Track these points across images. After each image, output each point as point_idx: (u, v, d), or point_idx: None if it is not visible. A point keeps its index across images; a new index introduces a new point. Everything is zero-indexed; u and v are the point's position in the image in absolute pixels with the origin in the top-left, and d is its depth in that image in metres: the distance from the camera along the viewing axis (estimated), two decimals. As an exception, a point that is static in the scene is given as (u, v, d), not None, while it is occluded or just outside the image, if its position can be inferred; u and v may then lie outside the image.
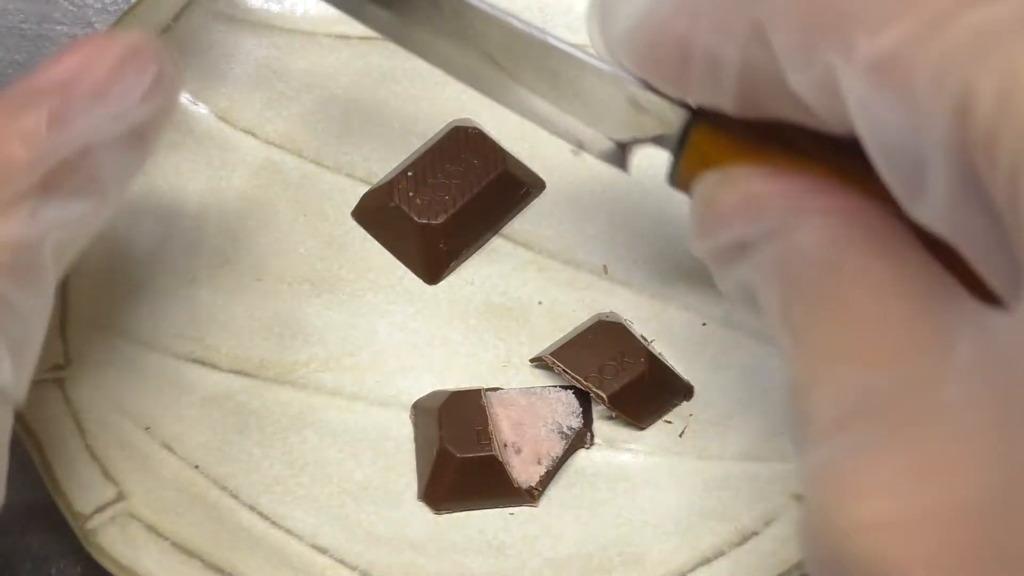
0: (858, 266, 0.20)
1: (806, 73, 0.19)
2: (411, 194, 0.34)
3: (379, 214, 0.35)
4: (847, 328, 0.19)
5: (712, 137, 0.25)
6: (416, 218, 0.33)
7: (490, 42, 0.28)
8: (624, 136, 0.27)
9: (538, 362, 0.33)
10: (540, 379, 0.33)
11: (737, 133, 0.24)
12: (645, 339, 0.33)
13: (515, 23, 0.27)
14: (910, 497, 0.16)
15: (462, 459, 0.30)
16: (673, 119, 0.25)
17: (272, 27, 0.38)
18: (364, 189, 0.36)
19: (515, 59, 0.28)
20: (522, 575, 0.29)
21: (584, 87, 0.27)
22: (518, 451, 0.31)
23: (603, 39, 0.25)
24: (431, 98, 0.38)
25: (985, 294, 0.18)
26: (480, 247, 0.35)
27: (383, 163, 0.36)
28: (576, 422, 0.31)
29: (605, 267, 0.34)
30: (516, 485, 0.30)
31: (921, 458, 0.17)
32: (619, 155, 0.28)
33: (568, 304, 0.34)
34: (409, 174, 0.34)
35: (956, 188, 0.17)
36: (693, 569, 0.28)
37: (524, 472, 0.31)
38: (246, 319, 0.34)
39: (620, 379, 0.31)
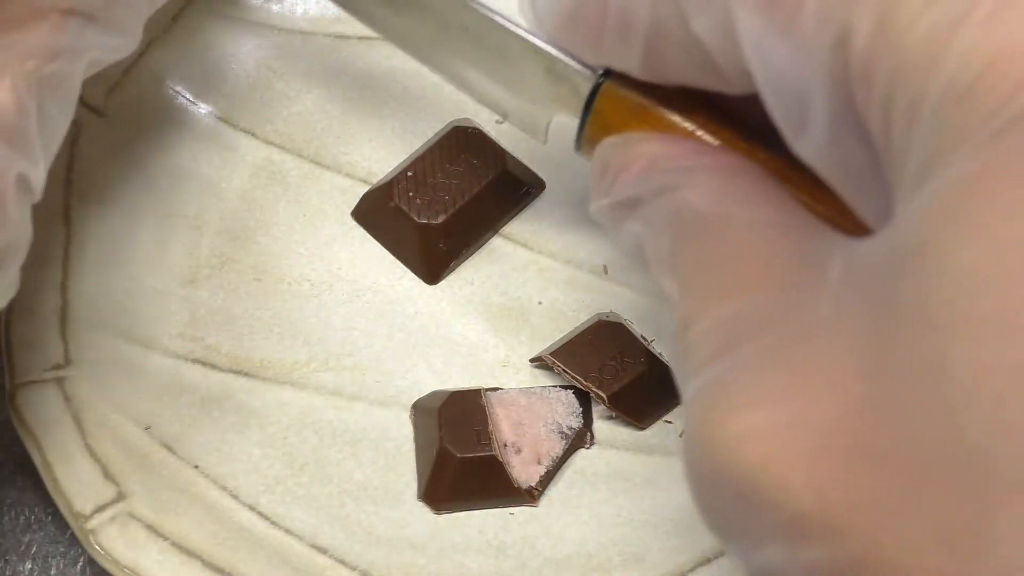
0: (735, 213, 0.21)
1: (707, 15, 0.20)
2: (411, 194, 0.34)
3: (379, 214, 0.35)
4: (725, 265, 0.20)
5: (614, 104, 0.26)
6: (416, 218, 0.33)
7: (423, 7, 0.29)
8: (542, 106, 0.29)
9: (538, 362, 0.33)
10: (540, 379, 0.33)
11: (640, 100, 0.25)
12: (645, 339, 0.33)
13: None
14: (784, 406, 0.17)
15: (462, 459, 0.30)
16: (584, 88, 0.27)
17: (272, 27, 0.38)
18: (364, 189, 0.36)
19: (445, 23, 0.29)
20: (522, 575, 0.29)
21: (507, 55, 0.28)
22: (518, 451, 0.31)
23: (530, 6, 0.26)
24: (430, 98, 0.38)
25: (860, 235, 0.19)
26: (480, 247, 0.35)
27: (383, 163, 0.36)
28: (576, 422, 0.31)
29: (605, 267, 0.34)
30: (516, 485, 0.30)
31: (794, 371, 0.17)
32: (539, 126, 0.30)
33: (568, 304, 0.34)
34: (409, 174, 0.34)
35: (836, 120, 0.18)
36: (693, 569, 0.28)
37: (524, 472, 0.31)
38: (246, 319, 0.34)
39: (620, 379, 0.32)
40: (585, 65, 0.27)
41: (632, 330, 0.33)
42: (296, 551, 0.29)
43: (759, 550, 0.17)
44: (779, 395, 0.17)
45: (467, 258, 0.35)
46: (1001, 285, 0.15)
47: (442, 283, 0.34)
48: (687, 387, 0.19)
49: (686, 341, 0.20)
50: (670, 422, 0.32)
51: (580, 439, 0.32)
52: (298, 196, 0.36)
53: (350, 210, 0.36)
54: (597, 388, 0.31)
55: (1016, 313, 0.14)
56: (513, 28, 0.28)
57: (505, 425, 0.31)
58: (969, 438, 0.15)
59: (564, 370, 0.32)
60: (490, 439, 0.30)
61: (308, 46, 0.39)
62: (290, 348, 0.33)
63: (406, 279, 0.35)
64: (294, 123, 0.37)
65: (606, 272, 0.34)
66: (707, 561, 0.28)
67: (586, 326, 0.33)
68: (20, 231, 0.26)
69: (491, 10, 0.29)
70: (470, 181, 0.34)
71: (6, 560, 0.31)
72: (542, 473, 0.31)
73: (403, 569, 0.29)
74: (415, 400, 0.32)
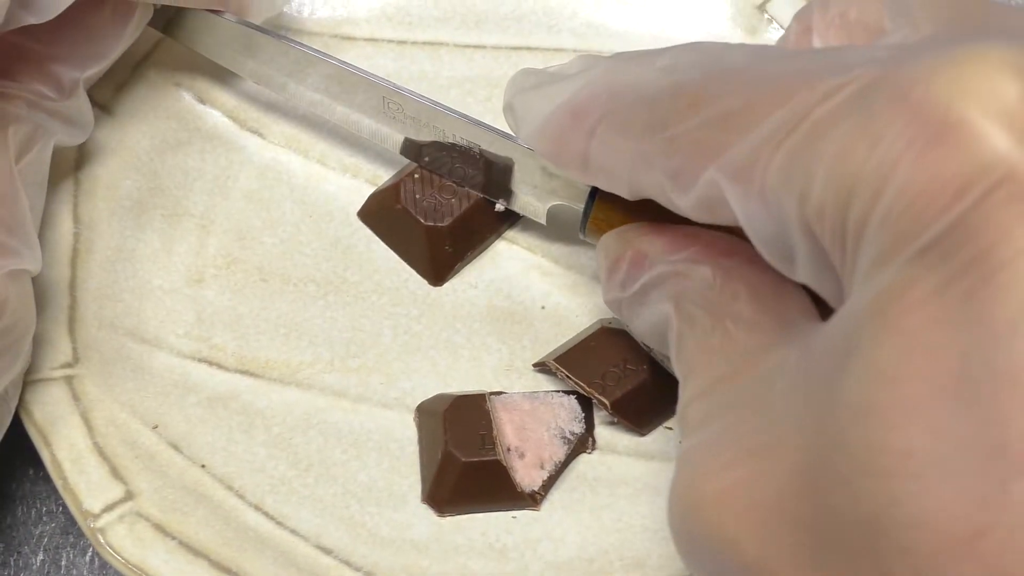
0: (720, 308, 0.25)
1: (688, 193, 0.24)
2: (418, 196, 0.34)
3: (385, 215, 0.35)
4: (710, 355, 0.24)
5: (610, 203, 0.30)
6: (423, 220, 0.34)
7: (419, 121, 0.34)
8: (541, 197, 0.33)
9: (541, 367, 0.33)
10: (543, 384, 0.33)
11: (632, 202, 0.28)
12: (648, 346, 0.33)
13: (440, 108, 0.33)
14: (737, 477, 0.20)
15: (466, 463, 0.30)
16: (579, 186, 0.32)
17: (279, 27, 0.38)
18: (370, 190, 0.36)
19: (443, 135, 0.34)
20: (524, 579, 0.29)
21: (507, 160, 0.33)
22: (521, 455, 0.31)
23: (517, 134, 0.30)
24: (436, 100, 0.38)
25: None
26: (485, 249, 0.35)
27: (388, 165, 0.37)
28: (578, 427, 0.32)
29: (557, 220, 0.35)
30: (519, 489, 0.31)
31: (749, 445, 0.21)
32: (539, 212, 0.34)
33: (571, 309, 0.34)
34: (416, 176, 0.34)
35: (812, 257, 0.21)
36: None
37: (527, 476, 0.31)
38: (252, 319, 0.34)
39: (623, 385, 0.32)
40: None
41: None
42: (301, 551, 0.30)
43: None
44: (739, 464, 0.21)
45: (472, 260, 0.35)
46: (896, 380, 0.17)
47: (446, 286, 0.35)
48: (678, 449, 0.23)
49: (680, 410, 0.24)
50: (671, 428, 0.32)
51: (582, 444, 0.32)
52: (304, 197, 0.36)
53: (356, 211, 0.36)
54: (600, 394, 0.32)
55: (905, 406, 0.17)
56: (511, 140, 0.32)
57: (509, 429, 0.31)
58: (864, 508, 0.17)
59: (567, 375, 0.32)
60: (494, 443, 0.31)
61: (315, 47, 0.39)
62: (295, 349, 0.34)
63: (411, 282, 0.35)
64: (300, 124, 0.37)
65: (555, 223, 0.34)
66: (707, 567, 0.29)
67: (589, 332, 0.33)
68: (20, 312, 0.28)
69: (482, 122, 0.33)
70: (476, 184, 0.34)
71: (18, 552, 0.31)
72: (545, 478, 0.31)
73: (406, 570, 0.30)
74: (419, 403, 0.33)
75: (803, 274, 0.22)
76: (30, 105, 0.30)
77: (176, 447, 0.31)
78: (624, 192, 0.27)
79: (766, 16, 0.39)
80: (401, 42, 0.40)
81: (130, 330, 0.33)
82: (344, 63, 0.34)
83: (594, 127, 0.26)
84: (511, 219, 0.35)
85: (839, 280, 0.21)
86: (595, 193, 0.31)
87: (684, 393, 0.24)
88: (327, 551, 0.30)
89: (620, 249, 0.29)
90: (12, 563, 0.31)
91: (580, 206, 0.31)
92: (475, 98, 0.39)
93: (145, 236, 0.35)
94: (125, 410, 0.31)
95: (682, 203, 0.24)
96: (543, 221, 0.34)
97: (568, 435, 0.32)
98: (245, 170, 0.36)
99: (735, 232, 0.25)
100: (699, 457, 0.22)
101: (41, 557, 0.31)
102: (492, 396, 0.32)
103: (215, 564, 0.29)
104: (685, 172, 0.24)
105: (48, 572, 0.31)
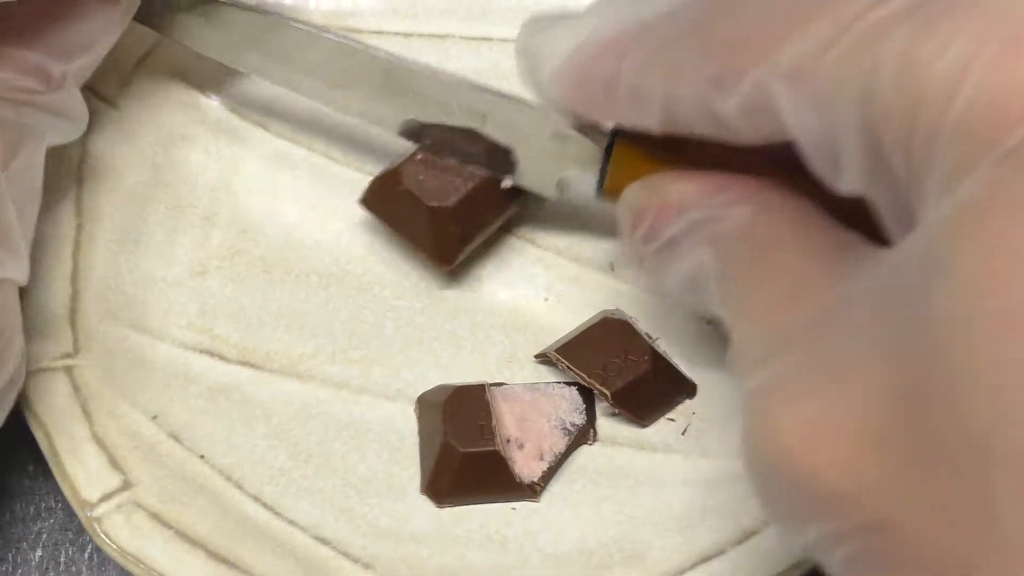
0: (771, 235, 0.24)
1: (735, 96, 0.22)
2: (421, 177, 0.33)
3: (389, 199, 0.34)
4: (767, 284, 0.23)
5: (632, 153, 0.28)
6: (427, 201, 0.33)
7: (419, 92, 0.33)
8: (551, 165, 0.32)
9: (543, 358, 0.33)
10: (544, 375, 0.33)
11: (654, 145, 0.27)
12: (650, 337, 0.33)
13: (444, 75, 0.32)
14: (823, 402, 0.19)
15: (465, 453, 0.30)
16: (594, 145, 0.30)
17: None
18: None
19: (447, 106, 0.33)
20: (523, 570, 0.29)
21: (513, 126, 0.32)
22: (521, 446, 0.31)
23: (532, 78, 0.29)
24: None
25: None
26: (492, 230, 0.34)
27: (392, 157, 0.36)
28: (579, 418, 0.32)
29: (612, 264, 0.35)
30: (518, 480, 0.31)
31: (831, 371, 0.20)
32: (549, 183, 0.32)
33: (574, 301, 0.34)
34: (418, 157, 0.33)
35: (866, 162, 0.20)
36: (693, 567, 0.28)
37: (526, 467, 0.31)
38: (254, 311, 0.34)
39: (624, 376, 0.32)
40: (592, 125, 0.29)
41: (637, 328, 0.33)
42: (300, 542, 0.30)
43: (804, 528, 0.20)
44: (819, 392, 0.19)
45: (480, 241, 0.34)
46: (1000, 289, 0.17)
47: (448, 277, 0.35)
48: (743, 392, 0.22)
49: (739, 354, 0.23)
50: (673, 420, 0.32)
51: (583, 435, 0.32)
52: (308, 189, 0.36)
53: (359, 203, 0.36)
54: (601, 385, 0.31)
55: (1014, 315, 0.16)
56: (517, 100, 0.31)
57: (509, 420, 0.31)
58: (972, 425, 0.16)
59: (568, 367, 0.32)
60: (493, 434, 0.30)
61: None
62: (297, 340, 0.33)
63: (414, 274, 0.35)
64: (304, 116, 0.37)
65: (612, 269, 0.34)
66: (707, 559, 0.28)
67: (591, 323, 0.33)
68: (3, 323, 0.28)
69: (489, 87, 0.32)
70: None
71: (17, 548, 0.31)
72: (544, 469, 0.31)
73: (406, 562, 0.30)
74: (420, 394, 0.32)
75: (853, 181, 0.21)
76: (16, 104, 0.29)
77: (176, 437, 0.31)
78: (655, 119, 0.25)
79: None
80: (407, 34, 0.40)
81: (132, 321, 0.33)
82: (345, 37, 0.33)
83: (625, 48, 0.25)
84: (518, 198, 0.34)
85: (894, 188, 0.20)
86: (611, 148, 0.29)
87: (738, 334, 0.23)
88: (326, 542, 0.30)
89: (645, 199, 0.27)
90: (11, 559, 0.31)
91: (594, 169, 0.30)
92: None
93: (148, 228, 0.35)
94: (125, 400, 0.31)
95: (725, 109, 0.23)
96: (552, 194, 0.32)
97: (569, 426, 0.31)
98: (248, 162, 0.36)
99: (773, 164, 0.24)
100: (772, 390, 0.21)
101: (40, 553, 0.31)
102: (492, 387, 0.32)
103: (213, 554, 0.29)
104: (729, 74, 0.22)
105: (47, 568, 0.31)
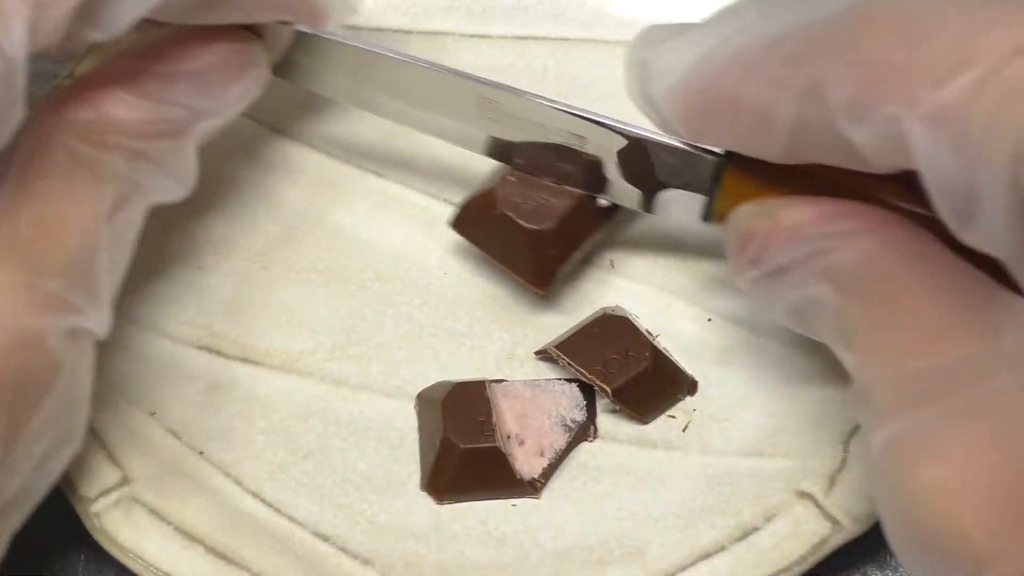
0: (900, 272, 0.23)
1: (865, 124, 0.22)
2: (516, 200, 0.32)
3: (483, 223, 0.33)
4: (899, 326, 0.22)
5: (743, 179, 0.27)
6: (525, 224, 0.32)
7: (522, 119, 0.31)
8: (652, 185, 0.30)
9: (543, 355, 0.33)
10: (545, 372, 0.33)
11: (767, 172, 0.26)
12: (650, 333, 0.33)
13: (545, 101, 0.31)
14: (972, 465, 0.19)
15: (465, 450, 0.30)
16: (702, 166, 0.29)
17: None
18: (374, 179, 0.36)
19: (545, 130, 0.31)
20: (523, 566, 0.29)
21: (612, 147, 0.30)
22: (521, 443, 0.31)
23: (643, 92, 0.27)
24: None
25: None
26: (586, 249, 0.34)
27: (394, 154, 0.36)
28: (580, 415, 0.32)
29: (611, 261, 0.34)
30: (519, 477, 0.30)
31: (981, 433, 0.19)
32: (647, 202, 0.31)
33: (573, 297, 0.34)
34: (511, 179, 0.32)
35: (1009, 216, 0.20)
36: (693, 563, 0.28)
37: (527, 464, 0.31)
38: (253, 307, 0.34)
39: (624, 373, 0.31)
40: (702, 148, 0.28)
41: (637, 324, 0.33)
42: (299, 538, 0.30)
43: None
44: (966, 454, 0.19)
45: (575, 261, 0.34)
46: None
47: (448, 275, 0.34)
48: (874, 437, 0.22)
49: (869, 396, 0.22)
50: (673, 416, 0.32)
51: (583, 432, 0.32)
52: (307, 185, 0.36)
53: (358, 199, 0.36)
54: (601, 382, 0.31)
55: None
56: (619, 125, 0.30)
57: (509, 417, 0.31)
58: None
59: (568, 363, 0.32)
60: (494, 431, 0.30)
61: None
62: (296, 336, 0.33)
63: (412, 270, 0.35)
64: (303, 112, 0.37)
65: (612, 266, 0.34)
66: (707, 556, 0.28)
67: (591, 319, 0.33)
68: (77, 381, 0.26)
69: (584, 110, 0.30)
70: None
71: (10, 545, 0.31)
72: (545, 465, 0.31)
73: (405, 558, 0.30)
74: (419, 391, 0.32)
75: (984, 234, 0.21)
76: (132, 156, 0.28)
77: (175, 433, 0.31)
78: (778, 145, 0.24)
79: (774, 4, 0.39)
80: (407, 32, 0.40)
81: (131, 317, 0.33)
82: (438, 66, 0.32)
83: (755, 63, 0.24)
84: (612, 214, 0.33)
85: None
86: (720, 172, 0.28)
87: (863, 375, 0.23)
88: (325, 538, 0.30)
89: (755, 222, 0.26)
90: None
91: (701, 191, 0.29)
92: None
93: (147, 223, 0.34)
94: (124, 396, 0.31)
95: (857, 136, 0.22)
96: (652, 211, 0.31)
97: (569, 423, 0.31)
98: (247, 158, 0.36)
99: (896, 199, 0.23)
100: (916, 446, 0.20)
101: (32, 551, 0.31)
102: (492, 384, 0.32)
103: (211, 550, 0.28)
104: (864, 102, 0.21)
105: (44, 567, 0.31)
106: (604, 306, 0.34)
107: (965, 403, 0.20)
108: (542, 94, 0.35)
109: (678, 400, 0.32)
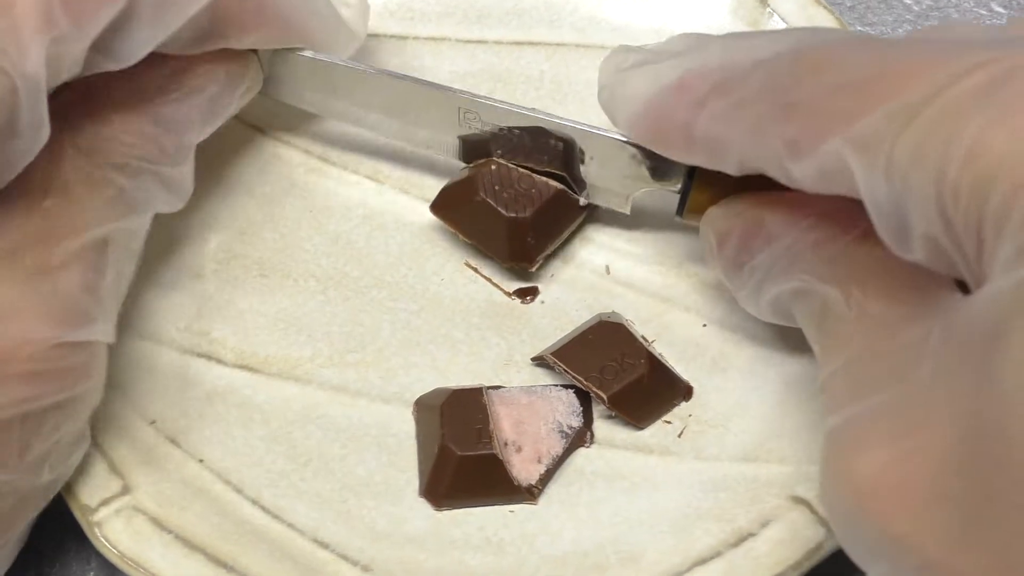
0: (853, 279, 0.25)
1: (806, 161, 0.24)
2: (497, 187, 0.33)
3: (463, 207, 0.34)
4: (850, 326, 0.24)
5: (710, 182, 0.29)
6: (504, 211, 0.33)
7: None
8: (626, 184, 0.33)
9: (539, 361, 0.33)
10: (541, 378, 0.33)
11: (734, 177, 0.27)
12: (646, 340, 0.33)
13: (524, 111, 0.33)
14: (894, 453, 0.21)
15: (463, 457, 0.30)
16: (676, 168, 0.31)
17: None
18: (371, 184, 0.36)
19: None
20: (520, 572, 0.29)
21: (593, 150, 0.33)
22: (519, 449, 0.31)
23: (612, 115, 0.30)
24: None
25: None
26: (564, 238, 0.35)
27: (390, 161, 0.37)
28: (576, 421, 0.32)
29: (607, 267, 0.35)
30: (516, 483, 0.31)
31: (899, 422, 0.21)
32: (623, 200, 0.33)
33: (570, 304, 0.34)
34: (492, 168, 0.34)
35: (933, 233, 0.21)
36: (688, 569, 0.28)
37: (524, 470, 0.31)
38: (251, 314, 0.34)
39: (620, 379, 0.32)
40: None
41: (633, 331, 0.33)
42: (298, 545, 0.30)
43: (872, 561, 0.22)
44: (892, 442, 0.21)
45: (552, 249, 0.35)
46: None
47: (445, 282, 0.35)
48: (825, 422, 0.24)
49: (824, 380, 0.25)
50: (669, 422, 0.32)
51: (580, 438, 0.32)
52: (305, 192, 0.36)
53: (355, 206, 0.36)
54: (597, 388, 0.32)
55: None
56: (595, 131, 0.32)
57: (506, 423, 0.31)
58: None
59: (565, 369, 0.32)
60: (491, 437, 0.30)
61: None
62: (294, 344, 0.34)
63: (411, 276, 0.35)
64: (301, 119, 0.37)
65: (608, 272, 0.35)
66: (703, 562, 0.28)
67: (587, 326, 0.33)
68: (87, 384, 0.27)
69: (573, 121, 0.33)
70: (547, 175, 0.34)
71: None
72: (542, 471, 0.31)
73: (403, 564, 0.30)
74: (417, 397, 0.33)
75: (918, 252, 0.22)
76: (134, 173, 0.29)
77: (174, 441, 0.31)
78: (732, 166, 0.27)
79: (767, 9, 0.39)
80: (403, 37, 0.40)
81: (130, 325, 0.33)
82: (417, 79, 0.34)
83: (705, 98, 0.26)
84: (589, 208, 0.35)
85: (958, 262, 0.21)
86: (692, 172, 0.30)
87: (825, 367, 0.25)
88: (324, 545, 0.30)
89: (729, 222, 0.29)
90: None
91: (673, 189, 0.32)
92: (477, 92, 0.39)
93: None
94: (125, 405, 0.31)
95: (798, 172, 0.24)
96: (627, 211, 0.34)
97: (566, 429, 0.32)
98: (246, 165, 0.36)
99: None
100: (848, 434, 0.22)
101: (34, 556, 0.32)
102: (489, 390, 0.32)
103: (212, 558, 0.29)
104: (804, 139, 0.24)
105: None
106: (600, 312, 0.34)
107: (896, 395, 0.22)
108: (538, 97, 0.36)
109: (674, 406, 0.32)
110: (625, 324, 0.33)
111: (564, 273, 0.35)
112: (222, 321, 0.34)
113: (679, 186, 0.31)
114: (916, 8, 0.46)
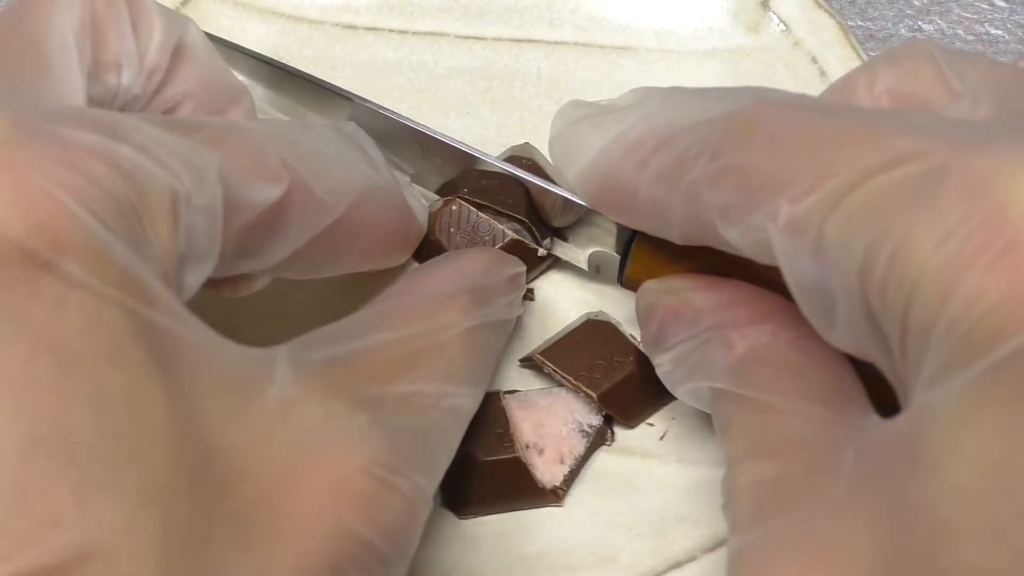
0: (769, 385, 0.24)
1: (739, 229, 0.23)
2: (452, 229, 0.33)
3: (422, 244, 0.33)
4: (759, 436, 0.23)
5: (651, 250, 0.29)
6: None
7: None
8: (581, 244, 0.33)
9: (527, 362, 0.33)
10: (529, 379, 0.33)
11: (671, 245, 0.27)
12: (635, 338, 0.33)
13: (480, 154, 0.33)
14: (807, 574, 0.20)
15: (484, 463, 0.30)
16: (619, 232, 0.31)
17: (280, 14, 0.39)
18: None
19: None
20: (493, 570, 0.29)
21: (548, 209, 0.33)
22: (540, 451, 0.31)
23: (561, 171, 0.29)
24: (434, 90, 0.38)
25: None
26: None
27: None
28: (596, 419, 0.31)
29: (597, 267, 0.35)
30: (540, 485, 0.30)
31: (812, 549, 0.20)
32: (580, 259, 0.33)
33: (557, 303, 0.34)
34: (453, 208, 0.33)
35: (858, 322, 0.21)
36: (664, 572, 0.28)
37: (548, 472, 0.31)
38: (254, 318, 0.34)
39: (610, 378, 0.32)
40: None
41: (621, 330, 0.33)
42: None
43: None
44: (797, 570, 0.20)
45: None
46: (988, 500, 0.17)
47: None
48: (731, 540, 0.23)
49: (729, 493, 0.23)
50: (651, 424, 0.32)
51: (601, 436, 0.32)
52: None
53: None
54: (587, 387, 0.31)
55: (999, 525, 0.17)
56: (550, 187, 0.32)
57: (526, 426, 0.31)
58: None
59: (554, 369, 0.32)
60: (512, 441, 0.30)
61: (316, 34, 0.39)
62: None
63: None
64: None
65: (597, 272, 0.35)
66: (678, 565, 0.28)
67: (575, 325, 0.33)
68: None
69: (530, 175, 0.33)
70: (503, 220, 0.33)
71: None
72: (566, 472, 0.31)
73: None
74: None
75: (842, 336, 0.22)
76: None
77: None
78: (673, 232, 0.26)
79: (769, 12, 0.39)
80: (402, 32, 0.40)
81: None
82: (383, 108, 0.33)
83: (648, 158, 0.25)
84: (548, 259, 0.34)
85: (884, 354, 0.21)
86: (631, 241, 0.30)
87: (732, 472, 0.23)
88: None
89: (657, 299, 0.28)
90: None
91: (615, 258, 0.31)
92: (474, 89, 0.39)
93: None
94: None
95: (730, 237, 0.24)
96: (584, 267, 0.33)
97: (586, 428, 0.31)
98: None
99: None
100: (758, 557, 0.21)
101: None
102: (506, 395, 0.31)
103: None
104: (734, 209, 0.23)
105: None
106: (588, 311, 0.34)
107: (802, 515, 0.21)
108: (535, 95, 0.35)
109: (663, 404, 0.32)
110: (614, 323, 0.33)
111: (552, 273, 0.35)
112: (224, 332, 0.34)
113: (619, 252, 0.31)
114: (917, 3, 0.45)
